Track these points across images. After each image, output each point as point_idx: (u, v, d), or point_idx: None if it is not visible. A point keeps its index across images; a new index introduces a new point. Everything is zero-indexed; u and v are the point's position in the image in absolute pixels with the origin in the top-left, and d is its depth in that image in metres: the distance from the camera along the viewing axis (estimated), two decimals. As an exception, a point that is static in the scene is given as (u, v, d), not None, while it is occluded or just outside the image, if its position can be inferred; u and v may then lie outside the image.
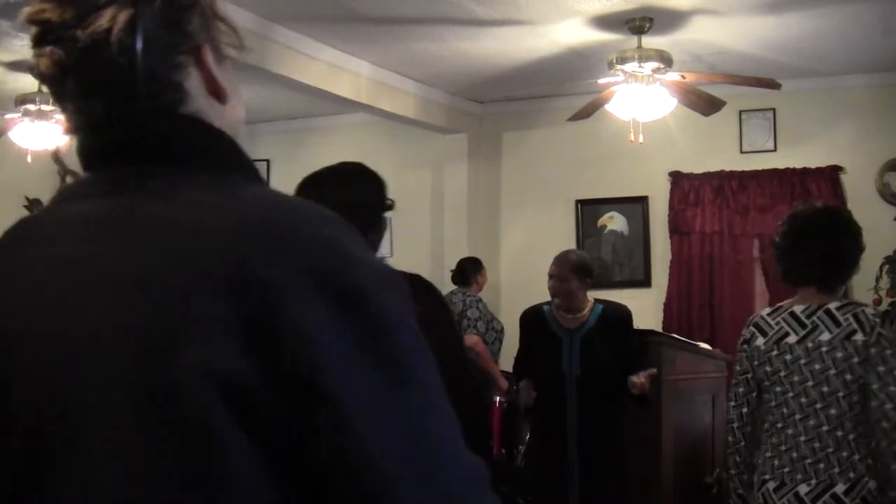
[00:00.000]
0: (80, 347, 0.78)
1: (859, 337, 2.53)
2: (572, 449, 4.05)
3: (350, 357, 0.76)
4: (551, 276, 4.13)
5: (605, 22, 4.83)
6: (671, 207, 6.43)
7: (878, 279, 5.76)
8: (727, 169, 6.30)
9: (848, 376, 2.54)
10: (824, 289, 2.64)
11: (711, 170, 6.33)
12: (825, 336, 2.58)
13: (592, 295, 4.22)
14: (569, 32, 5.04)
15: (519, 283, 6.69)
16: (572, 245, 6.66)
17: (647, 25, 4.76)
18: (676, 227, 6.41)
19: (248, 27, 4.72)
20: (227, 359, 0.74)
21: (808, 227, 2.70)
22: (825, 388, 2.57)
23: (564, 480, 4.05)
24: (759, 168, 6.23)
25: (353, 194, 2.21)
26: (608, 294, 6.47)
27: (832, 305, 2.59)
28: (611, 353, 4.05)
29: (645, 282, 6.56)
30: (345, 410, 0.75)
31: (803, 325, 2.62)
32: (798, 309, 2.66)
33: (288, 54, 5.08)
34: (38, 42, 0.88)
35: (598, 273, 4.33)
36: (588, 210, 6.70)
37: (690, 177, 6.39)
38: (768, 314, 2.74)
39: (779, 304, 2.76)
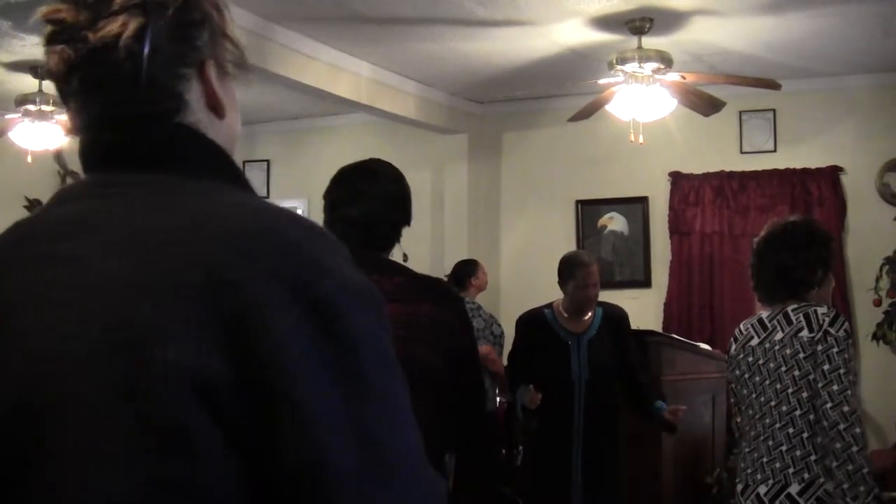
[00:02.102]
0: (59, 346, 0.80)
1: (805, 333, 2.57)
2: (576, 452, 4.05)
3: (317, 367, 0.78)
4: (593, 285, 4.01)
5: (605, 22, 4.83)
6: (671, 208, 6.44)
7: (878, 279, 5.76)
8: (727, 169, 6.30)
9: (796, 372, 2.57)
10: (783, 301, 2.68)
11: (711, 170, 6.33)
12: (779, 335, 2.63)
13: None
14: (569, 33, 5.04)
15: (519, 283, 6.70)
16: (572, 246, 6.66)
17: (648, 26, 4.76)
18: (676, 228, 6.41)
19: (248, 27, 4.72)
20: (201, 359, 0.75)
21: (766, 242, 2.76)
22: (778, 385, 2.61)
23: (568, 482, 4.04)
24: (759, 168, 6.23)
25: (402, 190, 2.22)
26: (609, 294, 6.50)
27: (790, 308, 2.64)
28: (615, 354, 4.06)
29: (645, 282, 6.56)
30: (308, 418, 0.77)
31: (765, 329, 2.69)
32: (764, 314, 2.73)
33: (288, 54, 5.08)
34: (50, 40, 0.90)
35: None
36: (588, 210, 6.70)
37: (690, 177, 6.40)
38: (744, 323, 2.81)
39: (758, 314, 2.81)
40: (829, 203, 6.01)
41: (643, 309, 6.30)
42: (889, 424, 5.76)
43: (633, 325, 5.12)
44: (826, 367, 2.52)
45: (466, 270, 5.72)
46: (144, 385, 0.76)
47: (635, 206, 6.59)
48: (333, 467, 0.77)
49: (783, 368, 2.59)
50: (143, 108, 0.89)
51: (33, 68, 5.31)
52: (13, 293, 0.85)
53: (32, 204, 6.71)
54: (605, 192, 6.63)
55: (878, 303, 5.78)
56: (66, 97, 0.92)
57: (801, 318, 2.59)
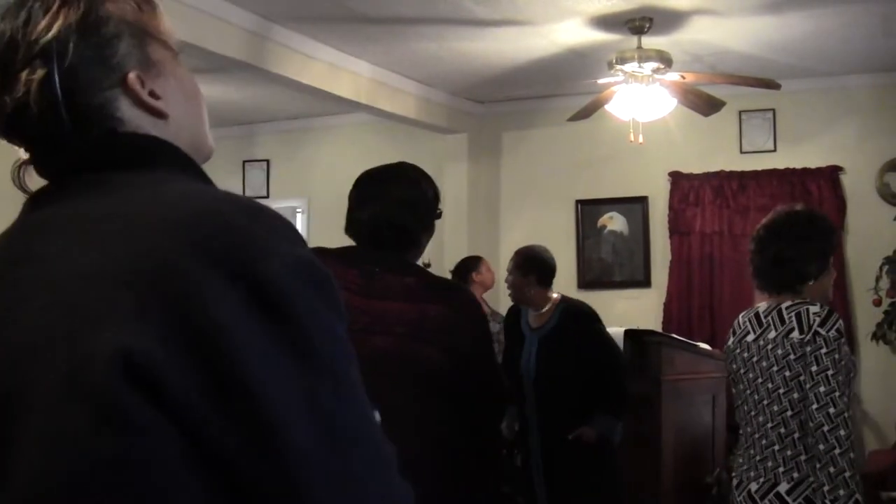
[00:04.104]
0: (22, 340, 0.82)
1: (795, 335, 2.55)
2: (536, 451, 4.04)
3: (263, 347, 0.78)
4: (508, 272, 4.22)
5: (605, 22, 4.83)
6: (671, 207, 6.44)
7: (877, 279, 5.76)
8: (727, 169, 6.30)
9: (787, 373, 2.56)
10: (779, 291, 2.67)
11: (711, 170, 6.33)
12: (772, 334, 2.62)
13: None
14: (568, 32, 5.04)
15: (519, 283, 6.70)
16: (572, 245, 6.67)
17: (647, 25, 4.76)
18: (676, 228, 6.41)
19: (248, 27, 4.72)
20: (138, 343, 0.76)
21: (766, 231, 2.74)
22: (769, 385, 2.60)
23: (532, 483, 4.04)
24: (759, 168, 6.23)
25: (416, 194, 2.23)
26: (608, 294, 6.51)
27: (784, 305, 2.62)
28: (572, 354, 3.98)
29: (645, 282, 6.56)
30: (258, 399, 0.77)
31: (761, 324, 2.67)
32: (761, 308, 2.71)
33: (287, 54, 5.08)
34: None
35: (551, 270, 4.21)
36: (588, 210, 6.70)
37: (690, 177, 6.40)
38: (742, 315, 2.79)
39: (756, 306, 2.79)
40: (829, 203, 6.00)
41: (643, 309, 6.30)
42: (889, 424, 5.76)
43: (633, 326, 5.14)
44: (814, 368, 2.51)
45: (467, 266, 5.69)
46: (81, 364, 0.77)
47: (635, 206, 6.59)
48: (290, 444, 0.77)
49: (775, 368, 2.59)
50: (76, 136, 0.92)
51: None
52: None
53: (32, 204, 6.73)
54: (604, 192, 6.63)
55: (877, 302, 5.78)
56: (11, 143, 0.96)
57: (793, 318, 2.58)
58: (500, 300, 6.63)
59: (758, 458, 2.61)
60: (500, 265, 6.87)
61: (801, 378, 2.53)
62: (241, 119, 7.22)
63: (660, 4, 4.58)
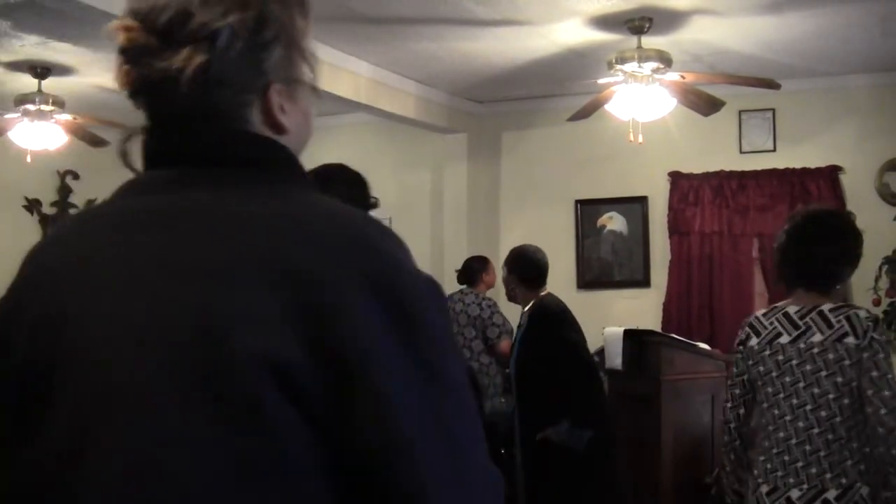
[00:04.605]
0: (134, 331, 0.82)
1: (851, 340, 2.51)
2: (517, 447, 4.09)
3: (395, 357, 0.81)
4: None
5: (605, 22, 4.83)
6: (670, 207, 6.43)
7: (877, 279, 5.76)
8: (727, 169, 6.30)
9: (839, 378, 2.52)
10: (814, 290, 2.64)
11: (711, 170, 6.33)
12: (817, 337, 2.56)
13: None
14: (568, 32, 5.04)
15: (518, 283, 6.70)
16: (572, 245, 6.67)
17: (647, 25, 4.76)
18: (676, 227, 6.41)
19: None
20: (281, 345, 0.78)
21: (804, 229, 2.69)
22: (816, 390, 2.55)
23: (512, 479, 4.08)
24: (759, 168, 6.23)
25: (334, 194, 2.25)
26: (608, 294, 6.51)
27: (825, 307, 2.58)
28: (536, 352, 4.00)
29: (644, 282, 6.56)
30: (386, 404, 0.80)
31: (796, 326, 2.61)
32: (792, 310, 2.65)
33: (287, 54, 5.08)
34: (120, 52, 0.92)
35: (535, 269, 4.23)
36: (588, 210, 6.70)
37: (690, 177, 6.39)
38: (763, 314, 2.74)
39: (774, 305, 2.75)
40: (829, 203, 5.99)
41: (642, 309, 6.30)
42: (888, 424, 5.76)
43: (633, 325, 5.15)
44: (874, 373, 2.48)
45: (476, 266, 5.78)
46: (224, 367, 0.79)
47: (635, 206, 6.59)
48: (410, 451, 0.80)
49: (823, 373, 2.53)
50: (203, 126, 0.91)
51: (33, 68, 5.31)
52: (86, 279, 0.87)
53: (32, 204, 6.72)
54: (604, 192, 6.63)
55: (877, 302, 5.78)
56: (134, 102, 0.94)
57: (844, 322, 2.53)
58: (499, 299, 6.64)
59: (799, 464, 2.55)
60: (499, 265, 6.86)
61: (854, 384, 2.49)
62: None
63: (660, 4, 4.58)
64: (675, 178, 6.43)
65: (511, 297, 4.29)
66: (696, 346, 5.13)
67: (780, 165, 6.19)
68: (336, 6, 4.64)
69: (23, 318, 0.88)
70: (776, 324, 2.66)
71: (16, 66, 5.34)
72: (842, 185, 6.08)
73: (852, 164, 6.07)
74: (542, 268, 4.19)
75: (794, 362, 2.59)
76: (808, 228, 2.69)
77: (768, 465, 2.63)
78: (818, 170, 6.10)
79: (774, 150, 6.26)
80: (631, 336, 4.92)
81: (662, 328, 6.05)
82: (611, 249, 6.66)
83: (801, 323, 2.60)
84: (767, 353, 2.66)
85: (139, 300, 0.83)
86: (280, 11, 0.93)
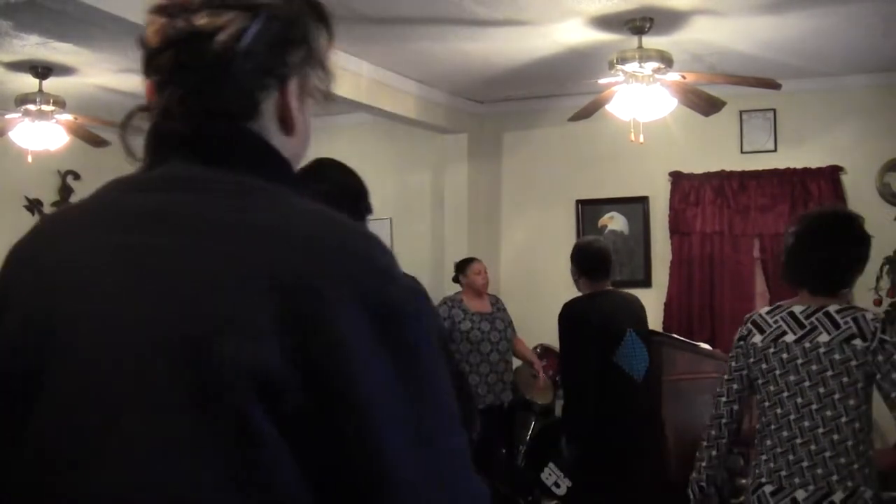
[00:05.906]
0: (124, 333, 0.82)
1: (859, 342, 2.51)
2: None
3: (380, 371, 0.81)
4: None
5: (606, 22, 4.83)
6: (671, 207, 6.43)
7: (878, 279, 5.76)
8: (727, 169, 6.30)
9: (845, 379, 2.51)
10: (821, 292, 2.63)
11: (712, 170, 6.33)
12: (823, 337, 2.55)
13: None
14: (569, 32, 5.04)
15: (519, 283, 6.70)
16: (571, 245, 6.66)
17: (648, 25, 4.76)
18: (677, 227, 6.41)
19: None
20: (267, 355, 0.78)
21: (813, 230, 2.68)
22: (821, 389, 2.54)
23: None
24: (760, 168, 6.22)
25: (325, 189, 2.25)
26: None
27: (832, 308, 2.57)
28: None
29: (645, 282, 6.55)
30: (371, 420, 0.79)
31: (801, 326, 2.60)
32: (797, 309, 2.64)
33: (288, 54, 5.08)
34: (155, 10, 0.92)
35: (594, 263, 4.43)
36: (588, 210, 6.70)
37: (691, 177, 6.39)
38: (767, 312, 2.72)
39: (778, 304, 2.74)
40: (830, 203, 5.99)
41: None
42: (890, 424, 5.75)
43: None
44: (894, 376, 2.50)
45: (457, 267, 5.82)
46: (209, 375, 0.78)
47: (635, 206, 6.59)
48: (394, 467, 0.80)
49: (829, 373, 2.53)
50: (218, 104, 0.91)
51: (33, 68, 5.31)
52: (77, 278, 0.87)
53: (32, 204, 6.71)
54: (605, 192, 6.63)
55: (878, 303, 5.78)
56: (151, 71, 0.94)
57: (851, 324, 2.53)
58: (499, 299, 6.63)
59: (805, 464, 2.54)
60: (500, 265, 6.87)
61: (860, 385, 2.51)
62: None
63: (660, 4, 4.58)
64: (676, 178, 6.43)
65: (579, 290, 4.35)
66: (697, 345, 5.13)
67: (781, 165, 6.18)
68: (337, 6, 4.60)
69: (9, 318, 0.88)
70: (781, 322, 2.65)
71: (17, 66, 5.34)
72: (843, 185, 6.08)
73: (853, 165, 6.06)
74: (597, 260, 4.24)
75: (800, 361, 2.58)
76: (820, 232, 2.67)
77: (772, 465, 2.61)
78: (819, 170, 6.10)
79: (775, 150, 6.26)
80: (631, 336, 4.90)
81: (663, 328, 6.05)
82: (612, 249, 6.64)
83: (806, 322, 2.59)
84: (772, 350, 2.64)
85: (129, 305, 0.83)
86: (310, 21, 1.00)
